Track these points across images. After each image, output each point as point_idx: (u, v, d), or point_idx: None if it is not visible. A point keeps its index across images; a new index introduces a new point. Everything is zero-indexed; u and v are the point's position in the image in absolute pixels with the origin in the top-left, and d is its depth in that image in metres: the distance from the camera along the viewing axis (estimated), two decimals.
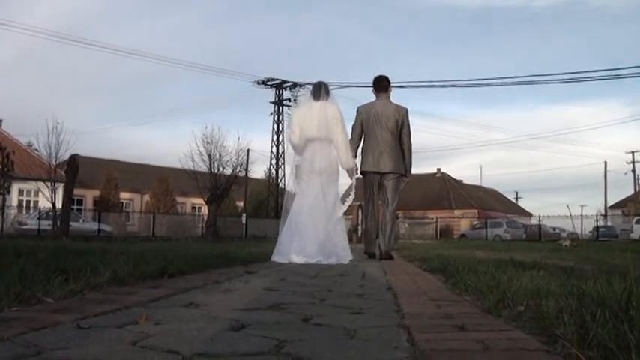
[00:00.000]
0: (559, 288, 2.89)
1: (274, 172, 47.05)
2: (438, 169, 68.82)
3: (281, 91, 46.78)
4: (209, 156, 31.91)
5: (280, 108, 46.82)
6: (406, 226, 50.50)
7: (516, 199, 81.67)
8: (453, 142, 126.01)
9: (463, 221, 53.81)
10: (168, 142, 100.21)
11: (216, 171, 31.95)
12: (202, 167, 31.99)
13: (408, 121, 7.57)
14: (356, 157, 7.38)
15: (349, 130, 7.35)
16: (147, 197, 45.19)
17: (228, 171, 32.66)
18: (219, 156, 32.17)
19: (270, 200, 46.14)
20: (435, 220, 50.61)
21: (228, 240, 20.95)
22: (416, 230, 49.96)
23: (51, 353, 1.64)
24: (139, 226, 40.50)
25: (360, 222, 7.47)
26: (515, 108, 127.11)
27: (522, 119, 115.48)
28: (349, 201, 7.08)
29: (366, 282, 4.27)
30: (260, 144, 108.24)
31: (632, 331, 1.60)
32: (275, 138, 46.79)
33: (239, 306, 2.72)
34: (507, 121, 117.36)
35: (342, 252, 6.63)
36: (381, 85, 7.70)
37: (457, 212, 57.47)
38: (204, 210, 40.00)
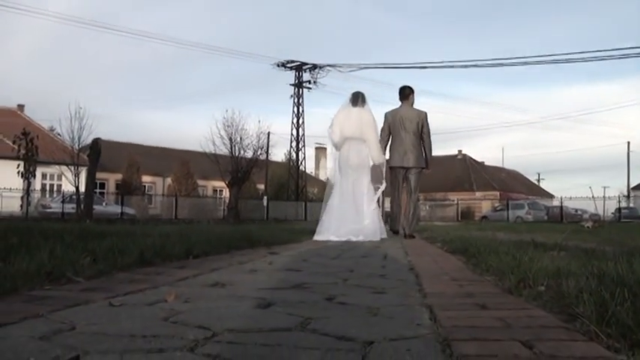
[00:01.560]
0: (580, 269, 2.91)
1: (294, 155, 47.10)
2: (459, 151, 68.43)
3: (301, 73, 46.66)
4: (230, 139, 32.06)
5: (300, 90, 46.74)
6: (427, 208, 50.40)
7: (538, 180, 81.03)
8: (474, 123, 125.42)
9: (484, 203, 53.52)
10: (190, 126, 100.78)
11: (237, 154, 32.07)
12: (223, 150, 32.14)
13: (427, 123, 8.99)
14: (385, 154, 8.87)
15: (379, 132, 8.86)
16: (169, 180, 45.51)
17: (249, 154, 32.77)
18: (240, 139, 32.32)
19: (290, 183, 46.26)
20: (456, 202, 50.38)
21: (249, 222, 21.09)
22: (437, 212, 49.85)
23: (86, 328, 1.71)
24: (161, 209, 40.87)
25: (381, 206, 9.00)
26: (538, 88, 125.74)
27: (545, 99, 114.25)
28: (382, 189, 8.53)
29: (387, 263, 4.32)
30: (280, 127, 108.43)
31: None
32: (295, 120, 46.74)
33: (264, 286, 2.78)
34: (530, 101, 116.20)
35: (371, 231, 7.98)
36: (404, 93, 9.18)
37: (478, 194, 57.18)
38: (226, 193, 40.24)
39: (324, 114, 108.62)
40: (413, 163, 8.94)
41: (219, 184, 41.23)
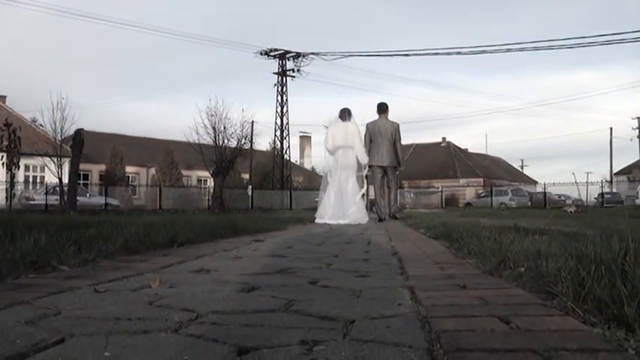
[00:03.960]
0: (559, 250, 2.96)
1: (279, 144, 47.02)
2: (443, 138, 68.74)
3: (284, 61, 46.46)
4: (214, 128, 31.91)
5: (284, 79, 46.56)
6: (412, 195, 50.62)
7: (522, 167, 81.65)
8: (458, 110, 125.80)
9: (468, 190, 53.89)
10: (173, 115, 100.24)
11: (221, 143, 31.94)
12: (207, 140, 32.00)
13: (399, 132, 11.49)
14: (367, 156, 11.14)
15: (363, 139, 11.15)
16: (152, 171, 45.33)
17: (233, 143, 32.64)
18: (224, 128, 32.17)
19: (275, 172, 46.20)
20: (440, 189, 50.65)
21: (234, 212, 21.09)
22: (421, 199, 50.06)
23: (71, 313, 1.73)
24: (145, 200, 40.71)
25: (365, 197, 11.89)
26: (522, 75, 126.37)
27: (528, 86, 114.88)
28: (366, 184, 11.43)
29: (371, 248, 4.37)
30: (264, 116, 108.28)
31: (625, 285, 1.67)
32: (279, 109, 46.56)
33: (248, 271, 2.81)
34: (513, 88, 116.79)
35: (357, 216, 10.22)
36: (382, 108, 11.59)
37: (462, 181, 57.52)
38: (210, 182, 40.14)
39: (309, 102, 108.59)
40: (388, 162, 11.33)
41: (204, 173, 41.11)
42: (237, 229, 6.02)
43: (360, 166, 11.04)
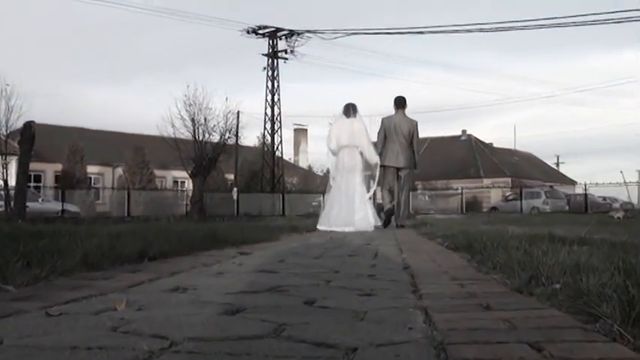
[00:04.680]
0: (603, 263, 2.96)
1: (269, 139, 47.00)
2: (464, 131, 68.82)
3: (275, 41, 46.45)
4: (192, 120, 31.85)
5: (275, 61, 46.55)
6: (426, 198, 50.66)
7: (557, 164, 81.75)
8: (481, 98, 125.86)
9: (494, 192, 53.91)
10: (144, 105, 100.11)
11: (201, 138, 31.91)
12: (185, 134, 31.91)
13: (417, 130, 12.00)
14: (380, 155, 11.56)
15: (371, 137, 11.74)
16: (120, 171, 45.26)
17: (216, 138, 32.63)
18: (205, 120, 32.13)
19: (265, 172, 46.21)
20: (460, 190, 50.59)
21: (216, 219, 21.09)
22: (438, 203, 50.05)
23: (17, 341, 1.72)
24: (111, 205, 40.62)
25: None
26: (557, 56, 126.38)
27: (565, 69, 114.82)
28: (374, 187, 11.50)
29: (378, 262, 4.37)
30: (252, 105, 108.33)
31: None
32: (269, 98, 46.53)
33: (233, 290, 2.81)
34: (547, 71, 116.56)
35: (363, 223, 10.59)
36: (400, 102, 12.08)
37: (486, 181, 57.55)
38: (188, 185, 40.10)
39: (304, 89, 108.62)
40: (404, 163, 11.83)
41: (181, 174, 41.08)
42: (220, 240, 6.02)
43: (368, 166, 11.45)
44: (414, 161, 12.06)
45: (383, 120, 12.15)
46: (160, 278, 3.24)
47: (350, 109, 11.48)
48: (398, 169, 11.86)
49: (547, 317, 2.03)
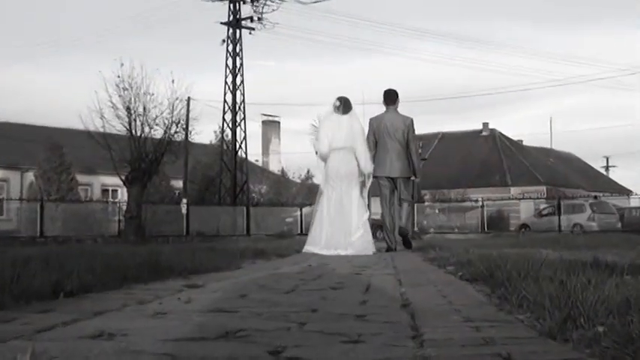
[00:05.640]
0: None
1: (230, 134, 46.92)
2: (485, 125, 69.22)
3: (238, 5, 46.53)
4: (128, 110, 31.65)
5: (238, 32, 46.59)
6: (436, 212, 50.75)
7: (606, 168, 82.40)
8: (508, 81, 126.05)
9: (524, 204, 54.12)
10: (63, 90, 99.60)
11: (139, 133, 31.79)
12: (118, 128, 31.78)
13: (413, 129, 12.35)
14: (372, 163, 11.96)
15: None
16: (30, 176, 45.06)
17: (159, 133, 32.52)
18: (144, 110, 31.97)
19: (224, 177, 46.12)
20: (480, 203, 50.81)
21: (160, 240, 21.09)
22: (452, 219, 50.16)
23: None
24: (18, 222, 40.36)
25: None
26: (604, 29, 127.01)
27: (620, 44, 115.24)
28: (366, 200, 12.04)
29: (370, 297, 4.38)
30: (207, 90, 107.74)
31: None
32: (230, 80, 46.55)
33: (175, 335, 2.80)
34: (593, 49, 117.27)
35: (362, 245, 11.07)
36: (390, 98, 12.46)
37: (515, 190, 57.89)
38: (122, 194, 39.97)
39: (276, 69, 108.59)
40: (399, 172, 12.17)
41: (112, 180, 40.95)
42: (163, 268, 6.00)
43: (361, 175, 11.92)
44: (413, 167, 12.39)
45: (371, 121, 12.52)
46: (79, 320, 3.21)
47: (342, 104, 11.85)
48: (394, 180, 12.21)
49: None
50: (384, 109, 12.49)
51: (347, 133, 11.69)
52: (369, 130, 12.31)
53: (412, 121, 12.39)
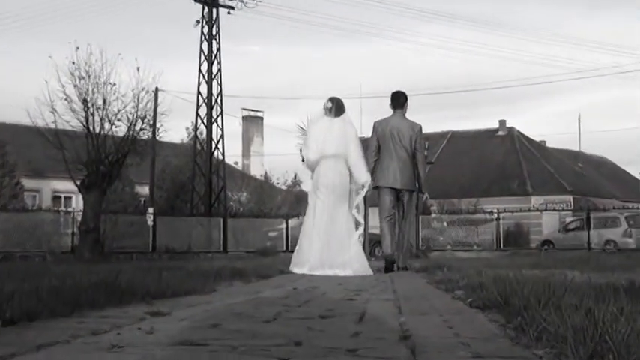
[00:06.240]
0: None
1: (205, 131, 46.85)
2: (502, 122, 69.20)
3: None
4: (84, 102, 31.50)
5: (214, 12, 46.59)
6: (444, 226, 50.72)
7: None
8: (529, 71, 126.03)
9: (547, 217, 54.17)
10: (6, 78, 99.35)
11: (97, 130, 31.70)
12: (72, 124, 31.61)
13: (421, 138, 12.82)
14: (372, 172, 12.25)
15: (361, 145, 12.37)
16: None
17: (122, 130, 32.45)
18: (104, 102, 31.84)
19: (198, 182, 46.04)
20: (495, 215, 50.85)
21: (121, 257, 21.08)
22: (460, 234, 50.03)
23: None
24: None
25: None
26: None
27: None
28: (360, 216, 12.30)
29: (364, 327, 4.37)
30: (179, 79, 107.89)
31: None
32: (206, 68, 46.50)
33: None
34: (628, 32, 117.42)
35: (360, 264, 11.52)
36: (398, 100, 12.80)
37: (536, 200, 57.87)
38: (77, 202, 39.88)
39: (258, 56, 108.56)
40: (405, 184, 12.55)
41: (65, 185, 40.79)
42: (123, 292, 5.98)
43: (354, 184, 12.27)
44: (419, 180, 12.87)
45: (376, 125, 12.81)
46: (17, 355, 3.21)
47: (334, 106, 12.16)
48: (398, 192, 12.55)
49: None
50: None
51: (339, 139, 11.98)
52: (372, 135, 12.68)
53: (420, 128, 12.79)
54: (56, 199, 49.54)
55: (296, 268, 11.43)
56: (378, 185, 12.38)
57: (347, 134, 12.07)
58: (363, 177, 12.03)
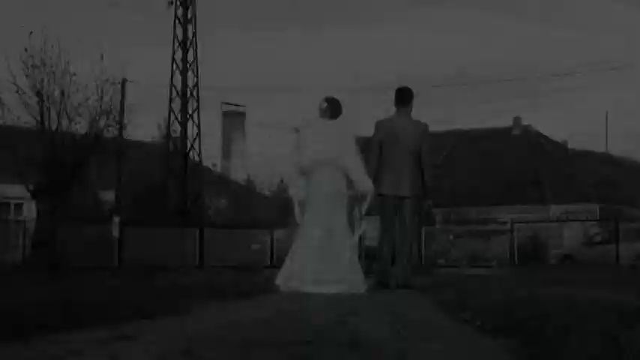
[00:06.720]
0: None
1: (179, 128, 46.87)
2: (517, 120, 69.26)
3: None
4: (38, 95, 31.52)
5: None
6: (451, 239, 50.78)
7: None
8: (547, 61, 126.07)
9: (568, 228, 54.18)
10: None
11: (54, 127, 31.68)
12: (24, 119, 31.65)
13: (426, 139, 12.80)
14: (373, 177, 12.24)
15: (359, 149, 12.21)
16: None
17: (83, 127, 32.45)
18: (62, 95, 31.86)
19: (170, 188, 46.09)
20: (509, 225, 50.93)
21: (81, 273, 21.04)
22: (469, 247, 50.09)
23: None
24: None
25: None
26: None
27: None
28: (361, 228, 12.53)
29: (356, 356, 4.36)
30: (148, 69, 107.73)
31: None
32: (180, 56, 46.57)
33: None
34: None
35: (354, 281, 11.43)
36: (403, 98, 12.81)
37: (555, 209, 57.94)
38: (29, 210, 39.84)
39: (240, 43, 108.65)
40: (410, 191, 12.53)
41: (15, 190, 40.73)
42: (82, 313, 5.98)
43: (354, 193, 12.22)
44: (424, 186, 12.76)
45: (378, 125, 12.79)
46: None
47: (329, 107, 12.20)
48: (401, 199, 12.50)
49: None
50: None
51: (335, 143, 11.96)
52: (374, 136, 12.65)
53: (426, 127, 12.83)
54: (4, 205, 49.40)
55: (283, 284, 11.39)
56: (381, 192, 12.36)
57: (343, 138, 12.09)
58: (364, 184, 12.01)
